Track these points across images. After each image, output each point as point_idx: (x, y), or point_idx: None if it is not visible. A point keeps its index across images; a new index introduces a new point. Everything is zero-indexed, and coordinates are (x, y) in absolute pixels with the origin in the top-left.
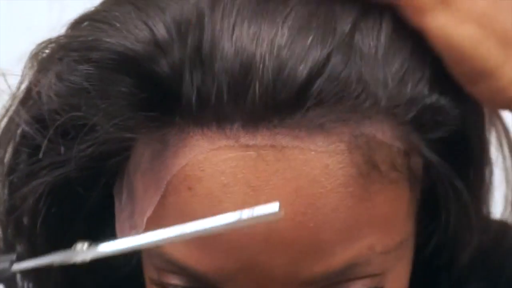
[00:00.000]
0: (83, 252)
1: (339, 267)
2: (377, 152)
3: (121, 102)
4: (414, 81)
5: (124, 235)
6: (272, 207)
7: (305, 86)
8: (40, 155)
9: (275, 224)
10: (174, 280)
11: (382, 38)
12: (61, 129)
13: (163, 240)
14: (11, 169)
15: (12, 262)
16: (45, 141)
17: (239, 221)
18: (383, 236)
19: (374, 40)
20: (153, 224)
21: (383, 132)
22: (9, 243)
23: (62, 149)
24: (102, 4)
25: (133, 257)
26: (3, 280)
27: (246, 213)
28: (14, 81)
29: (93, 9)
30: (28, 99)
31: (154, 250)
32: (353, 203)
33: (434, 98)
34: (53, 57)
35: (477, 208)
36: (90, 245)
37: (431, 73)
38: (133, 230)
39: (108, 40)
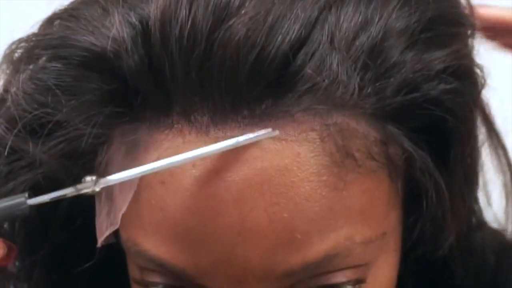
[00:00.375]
0: (92, 183)
1: (317, 258)
2: (351, 141)
3: (90, 97)
4: (409, 70)
5: (102, 233)
6: (267, 132)
7: (276, 77)
8: (5, 153)
9: (249, 215)
10: (155, 278)
11: (375, 23)
12: (30, 128)
13: (169, 165)
14: None
15: (26, 198)
16: (12, 138)
17: (237, 143)
18: (362, 226)
19: (354, 23)
20: (129, 220)
21: (357, 121)
22: None
23: (31, 146)
24: (71, 3)
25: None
26: (18, 216)
27: (242, 137)
28: None
29: (62, 8)
30: (2, 101)
31: (134, 249)
32: (327, 192)
33: (429, 90)
34: (23, 57)
35: (460, 200)
36: (98, 178)
37: (440, 60)
38: (110, 227)
39: (75, 37)
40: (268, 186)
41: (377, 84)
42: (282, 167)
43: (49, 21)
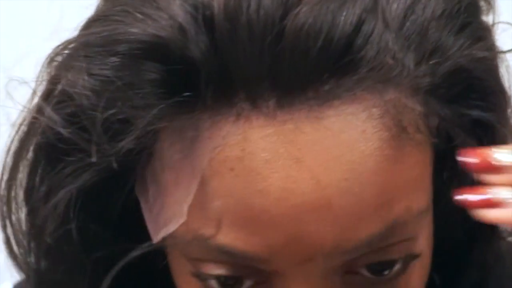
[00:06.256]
0: None
1: (381, 229)
2: (404, 115)
3: (154, 90)
4: (456, 52)
5: (159, 228)
6: None
7: (339, 58)
8: (92, 159)
9: (322, 192)
10: (216, 270)
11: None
12: (98, 129)
13: None
14: (29, 188)
15: None
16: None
17: None
18: (417, 197)
19: (403, 3)
20: (196, 210)
21: (406, 96)
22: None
23: (102, 147)
24: (106, 3)
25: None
26: None
27: None
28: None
29: (99, 10)
30: (54, 101)
31: (194, 242)
32: (390, 165)
33: (474, 70)
34: (76, 55)
35: None
36: None
37: (480, 48)
38: (174, 220)
39: (132, 30)
40: (339, 163)
41: (430, 62)
42: (350, 144)
43: (91, 22)
